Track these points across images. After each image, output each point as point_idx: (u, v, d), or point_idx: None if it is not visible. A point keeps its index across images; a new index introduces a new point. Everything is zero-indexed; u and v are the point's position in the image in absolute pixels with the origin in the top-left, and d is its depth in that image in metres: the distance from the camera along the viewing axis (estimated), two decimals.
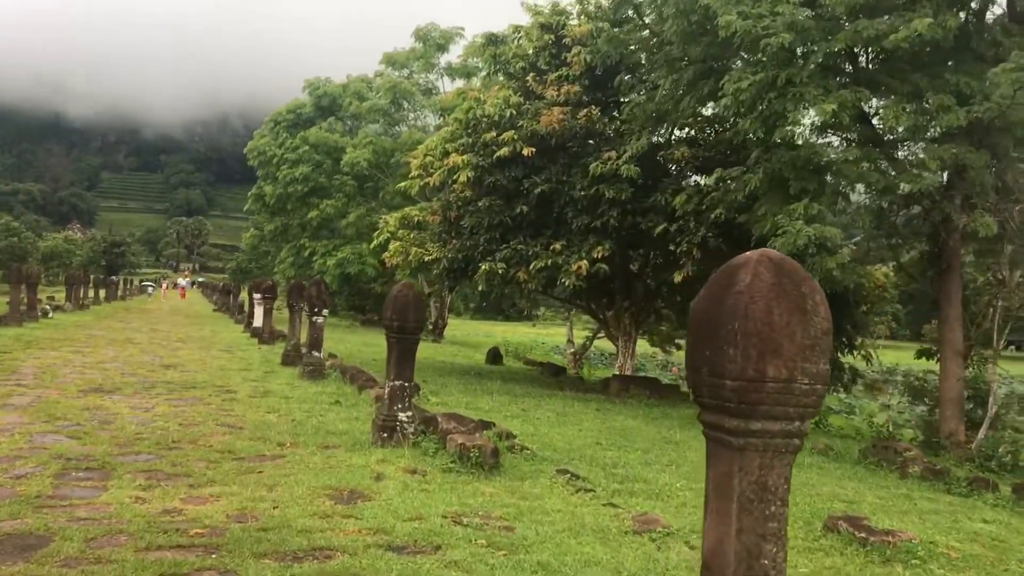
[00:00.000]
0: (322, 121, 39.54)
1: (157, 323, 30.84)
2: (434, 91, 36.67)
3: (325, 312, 14.37)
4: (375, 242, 19.80)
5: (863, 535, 5.80)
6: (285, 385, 13.20)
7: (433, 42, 35.87)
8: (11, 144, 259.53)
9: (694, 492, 7.61)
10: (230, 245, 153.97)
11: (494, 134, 15.93)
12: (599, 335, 27.29)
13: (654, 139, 14.65)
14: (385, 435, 8.59)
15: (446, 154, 16.89)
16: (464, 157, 15.96)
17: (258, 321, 25.23)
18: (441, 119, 34.94)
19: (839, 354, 17.36)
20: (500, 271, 15.15)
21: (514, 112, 15.84)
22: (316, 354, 14.45)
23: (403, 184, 18.83)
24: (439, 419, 8.92)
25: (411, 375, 8.83)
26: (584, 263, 14.44)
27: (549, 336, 60.74)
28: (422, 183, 17.55)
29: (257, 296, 25.71)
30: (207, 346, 20.73)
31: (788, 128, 10.35)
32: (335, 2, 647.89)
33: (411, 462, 7.86)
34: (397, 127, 38.21)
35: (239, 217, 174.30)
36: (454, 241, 16.36)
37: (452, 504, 6.42)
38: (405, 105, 36.87)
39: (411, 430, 8.67)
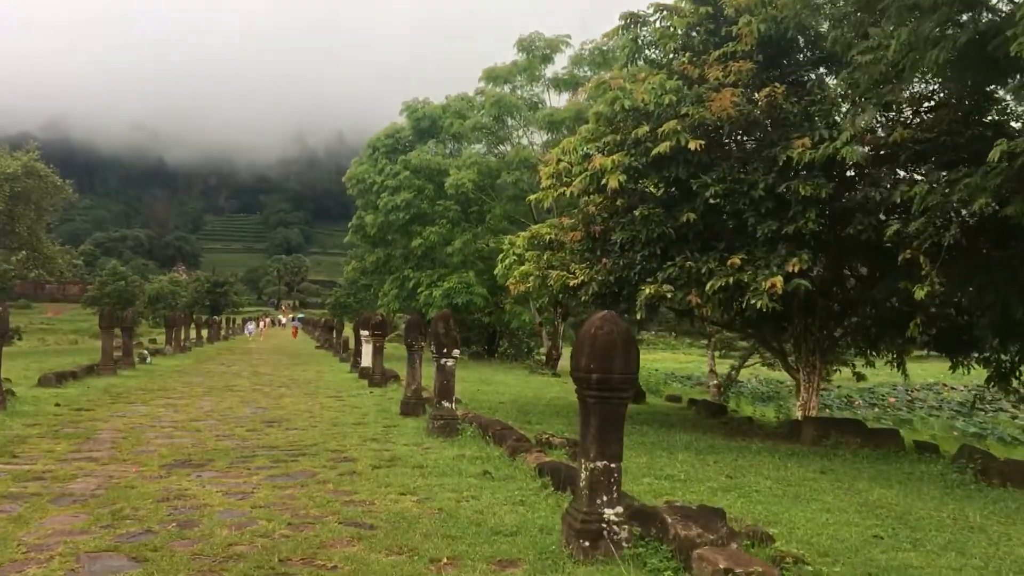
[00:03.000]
0: (422, 144, 37.35)
1: (259, 364, 28.90)
2: (540, 105, 34.02)
3: (456, 353, 11.65)
4: (500, 266, 17.05)
5: None
6: (414, 447, 10.51)
7: (538, 52, 33.32)
8: (118, 192, 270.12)
9: None
10: (328, 281, 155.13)
11: (647, 128, 13.01)
12: (746, 363, 23.99)
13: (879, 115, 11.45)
14: (587, 544, 5.72)
15: (587, 156, 14.03)
16: (612, 158, 13.05)
17: (366, 360, 22.91)
18: (549, 135, 32.34)
19: None
20: (667, 294, 12.17)
21: (673, 99, 12.87)
22: (447, 404, 11.73)
23: (534, 197, 16.00)
24: (663, 516, 5.98)
25: (620, 451, 5.96)
26: (779, 279, 11.32)
27: (656, 362, 56.89)
28: (557, 193, 14.72)
29: (365, 333, 23.42)
30: (313, 392, 18.39)
31: None
32: (414, 40, 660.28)
33: None
34: (502, 146, 35.71)
35: (336, 253, 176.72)
36: (603, 260, 13.44)
37: None
38: (510, 121, 34.29)
39: (624, 535, 5.79)
